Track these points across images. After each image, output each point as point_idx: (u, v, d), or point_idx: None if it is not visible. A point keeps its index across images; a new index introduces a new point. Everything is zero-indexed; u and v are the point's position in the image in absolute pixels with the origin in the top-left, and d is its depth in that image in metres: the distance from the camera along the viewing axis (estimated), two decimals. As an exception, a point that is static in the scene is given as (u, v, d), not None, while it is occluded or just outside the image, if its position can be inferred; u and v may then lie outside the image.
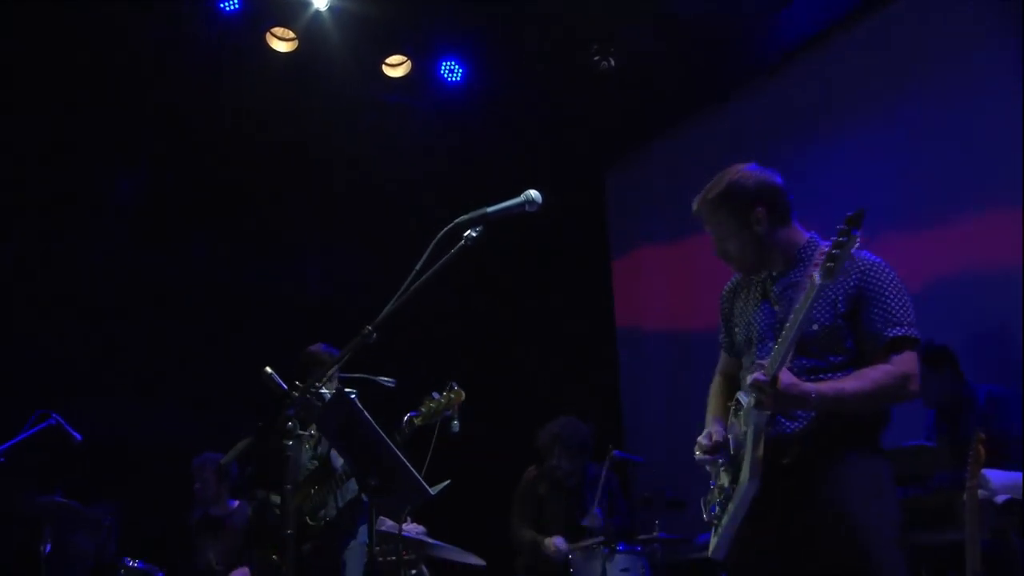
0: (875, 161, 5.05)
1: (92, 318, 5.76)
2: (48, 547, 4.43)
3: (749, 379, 2.26)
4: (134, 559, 4.36)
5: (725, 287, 2.70)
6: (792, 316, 2.25)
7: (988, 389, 3.86)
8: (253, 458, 3.88)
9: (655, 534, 4.51)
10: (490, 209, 2.48)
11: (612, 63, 5.88)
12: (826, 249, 2.18)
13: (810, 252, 2.49)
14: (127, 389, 5.75)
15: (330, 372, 2.35)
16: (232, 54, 5.64)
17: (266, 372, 2.09)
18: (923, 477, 3.37)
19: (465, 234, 2.44)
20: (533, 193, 2.50)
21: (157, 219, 6.12)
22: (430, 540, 4.45)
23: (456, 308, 6.81)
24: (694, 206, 2.59)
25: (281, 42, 5.69)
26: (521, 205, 2.49)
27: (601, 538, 4.30)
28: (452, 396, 3.35)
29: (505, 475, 5.12)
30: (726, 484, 2.41)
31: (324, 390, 2.43)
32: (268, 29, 5.60)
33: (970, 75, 4.67)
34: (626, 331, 6.68)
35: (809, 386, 2.25)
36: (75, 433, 4.61)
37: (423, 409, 3.39)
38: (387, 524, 4.50)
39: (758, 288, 2.55)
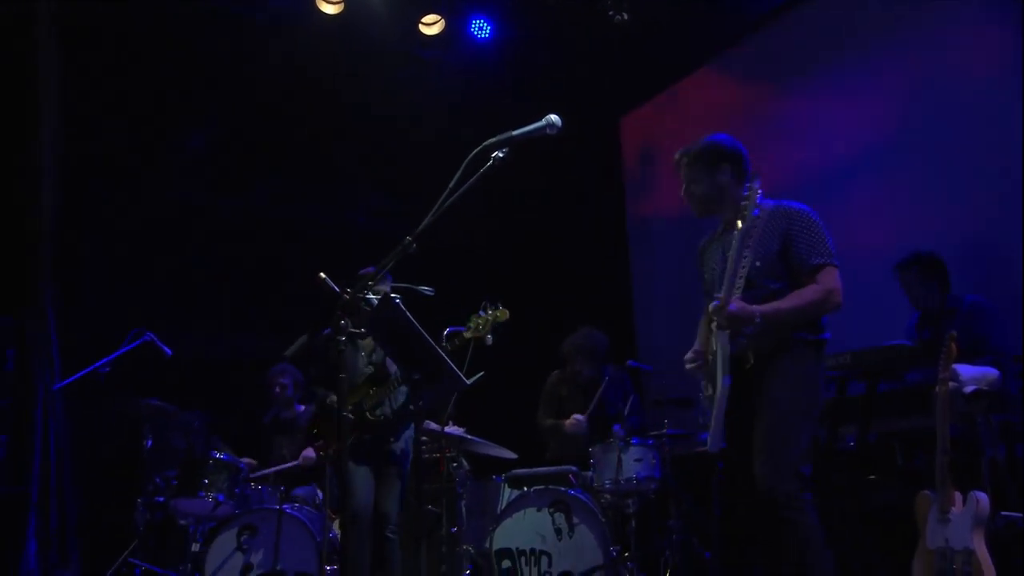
0: (874, 102, 4.88)
1: (176, 251, 5.88)
2: (149, 442, 4.57)
3: (710, 307, 2.68)
4: (220, 452, 4.49)
5: (699, 244, 3.07)
6: (730, 256, 2.62)
7: (971, 299, 3.79)
8: (315, 361, 3.96)
9: (664, 430, 4.55)
10: (515, 132, 2.45)
11: (625, 17, 5.74)
12: (744, 201, 2.59)
13: (751, 205, 2.71)
14: (207, 312, 5.88)
15: (378, 277, 2.36)
16: (286, 16, 5.60)
17: (320, 277, 2.12)
18: (901, 372, 3.35)
19: (493, 155, 2.42)
20: (553, 117, 2.46)
21: (228, 164, 6.17)
22: (469, 437, 4.53)
23: (493, 236, 6.82)
24: (676, 156, 2.93)
25: (329, 5, 5.63)
26: (543, 128, 2.46)
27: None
28: (498, 314, 3.40)
29: (532, 379, 5.18)
30: (710, 392, 2.74)
31: (372, 295, 2.45)
32: (318, -7, 5.55)
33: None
34: (638, 257, 6.67)
35: (754, 308, 2.63)
36: (166, 348, 4.74)
37: (470, 324, 3.44)
38: (432, 426, 4.59)
39: (719, 241, 2.91)
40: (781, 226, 2.75)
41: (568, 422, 4.70)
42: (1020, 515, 2.86)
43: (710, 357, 2.77)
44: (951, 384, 2.98)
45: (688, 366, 2.89)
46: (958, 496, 2.80)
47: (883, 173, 4.75)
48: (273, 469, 4.64)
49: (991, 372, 3.24)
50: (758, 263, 2.69)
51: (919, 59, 4.64)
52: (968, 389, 3.12)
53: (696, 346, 2.92)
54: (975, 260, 4.12)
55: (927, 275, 3.79)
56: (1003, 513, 2.85)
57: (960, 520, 2.74)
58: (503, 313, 3.42)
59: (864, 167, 4.86)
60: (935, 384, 2.98)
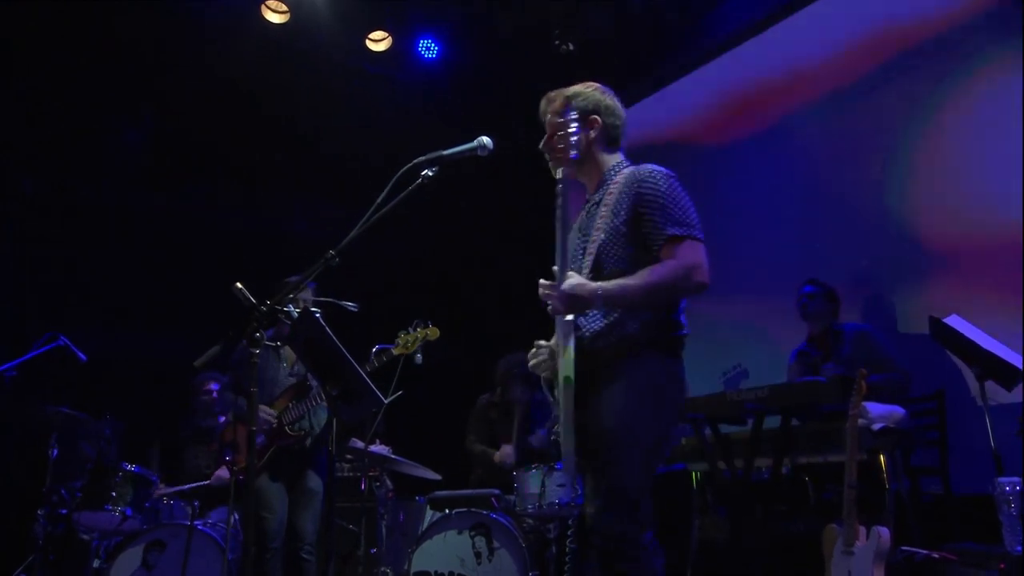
0: (803, 145, 5.04)
1: (98, 252, 5.62)
2: (55, 451, 4.32)
3: (540, 291, 2.13)
4: (131, 464, 4.27)
5: None
6: (558, 227, 2.10)
7: (856, 326, 3.98)
8: (232, 371, 3.83)
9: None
10: (446, 152, 2.43)
11: (571, 47, 5.81)
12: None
13: (613, 174, 2.30)
14: (128, 316, 5.62)
15: (296, 289, 2.28)
16: (230, 23, 5.46)
17: (236, 287, 2.01)
18: (815, 407, 3.41)
19: (422, 172, 2.39)
20: (485, 139, 2.44)
21: (158, 166, 5.96)
22: (393, 456, 4.43)
23: (427, 256, 6.74)
24: (547, 97, 2.43)
25: (275, 14, 5.53)
26: (474, 149, 2.44)
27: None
28: (427, 332, 3.34)
29: (461, 401, 5.11)
30: (552, 399, 2.22)
31: (291, 307, 2.37)
32: (263, 1, 5.43)
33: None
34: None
35: (593, 284, 2.06)
36: (80, 354, 4.51)
37: (399, 341, 3.38)
38: (356, 444, 4.47)
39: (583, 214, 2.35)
40: (632, 189, 2.17)
41: (497, 455, 4.62)
42: (918, 550, 2.93)
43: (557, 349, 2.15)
44: (860, 420, 3.04)
45: (530, 362, 2.29)
46: (863, 530, 2.85)
47: (792, 213, 4.94)
48: (188, 487, 4.43)
49: (898, 411, 3.34)
50: (602, 235, 2.15)
51: (827, 117, 4.83)
52: (876, 426, 3.21)
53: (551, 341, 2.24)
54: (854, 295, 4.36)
55: (829, 297, 4.07)
56: (903, 548, 2.91)
57: (863, 553, 2.79)
58: (433, 331, 3.38)
59: (776, 207, 5.02)
60: (845, 419, 3.04)
